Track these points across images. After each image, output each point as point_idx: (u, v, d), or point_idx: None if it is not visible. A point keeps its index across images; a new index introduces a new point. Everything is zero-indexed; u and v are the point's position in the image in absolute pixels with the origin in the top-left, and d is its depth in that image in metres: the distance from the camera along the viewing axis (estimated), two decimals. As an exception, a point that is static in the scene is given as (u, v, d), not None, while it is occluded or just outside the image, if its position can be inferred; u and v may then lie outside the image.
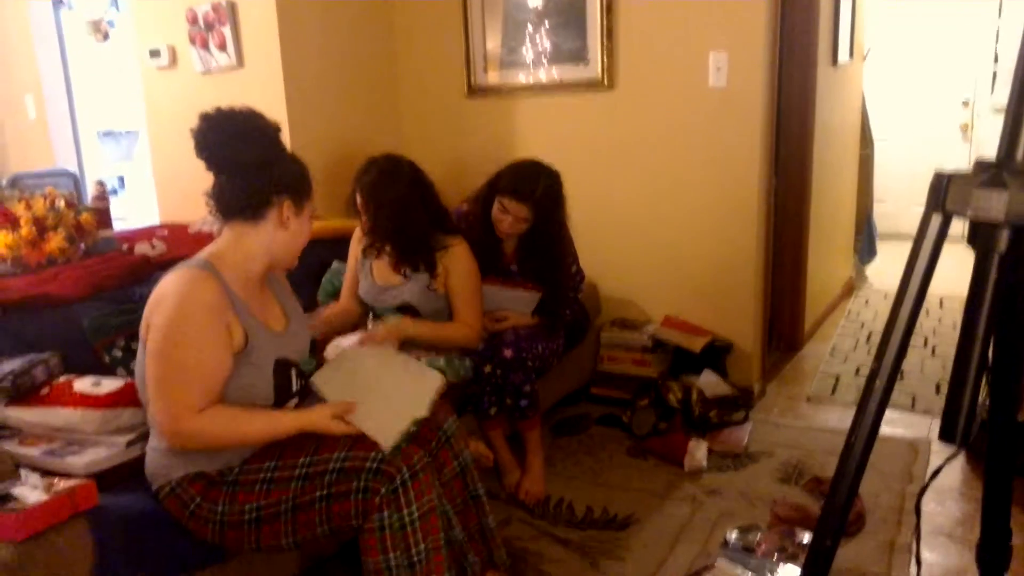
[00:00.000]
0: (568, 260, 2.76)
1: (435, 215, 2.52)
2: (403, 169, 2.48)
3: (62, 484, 1.55)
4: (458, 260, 2.50)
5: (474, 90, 3.58)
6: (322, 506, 1.63)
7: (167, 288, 1.64)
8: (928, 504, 2.45)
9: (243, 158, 1.68)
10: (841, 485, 0.91)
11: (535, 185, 2.55)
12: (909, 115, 6.48)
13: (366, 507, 1.61)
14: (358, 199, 2.48)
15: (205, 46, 3.19)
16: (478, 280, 2.55)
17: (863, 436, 0.89)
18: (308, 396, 1.85)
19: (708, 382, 3.14)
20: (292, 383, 1.78)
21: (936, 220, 0.90)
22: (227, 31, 3.11)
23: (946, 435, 0.91)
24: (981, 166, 0.85)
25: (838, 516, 0.91)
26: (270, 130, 1.73)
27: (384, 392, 1.83)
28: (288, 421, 1.71)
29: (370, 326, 2.51)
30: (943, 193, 0.87)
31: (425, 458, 1.69)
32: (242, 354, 1.68)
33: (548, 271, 2.69)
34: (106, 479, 1.69)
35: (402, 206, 2.43)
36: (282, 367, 1.74)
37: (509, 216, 2.58)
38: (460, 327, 2.49)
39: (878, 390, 0.88)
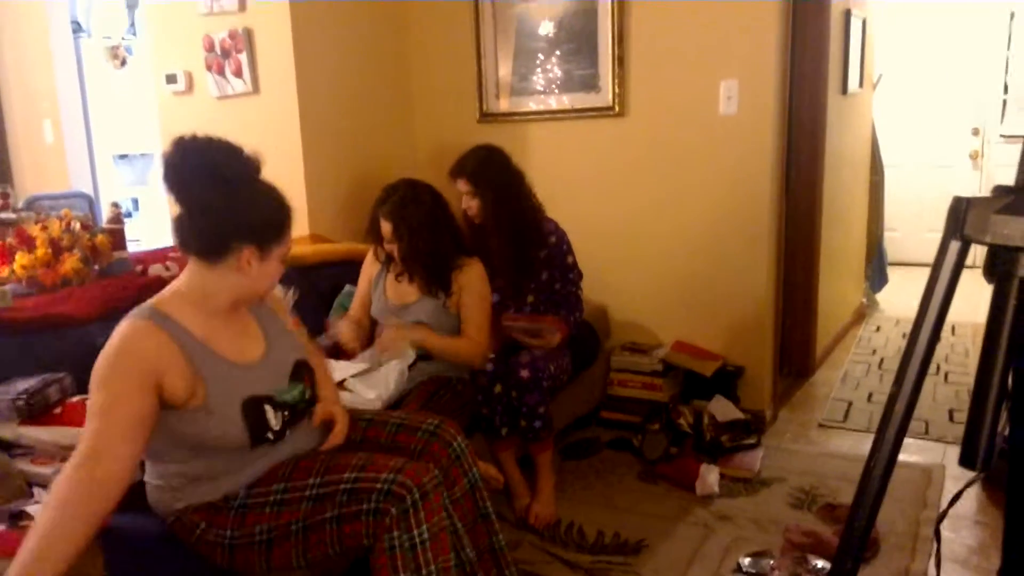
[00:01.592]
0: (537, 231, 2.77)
1: (454, 235, 2.55)
2: (424, 192, 2.52)
3: (75, 504, 1.55)
4: (472, 279, 2.53)
5: (486, 116, 3.62)
6: (333, 527, 1.62)
7: (107, 343, 1.54)
8: (943, 531, 2.42)
9: (207, 199, 1.57)
10: (861, 509, 0.91)
11: (467, 160, 2.71)
12: (919, 143, 6.50)
13: (377, 527, 1.60)
14: (385, 227, 2.49)
15: (221, 72, 3.24)
16: (489, 300, 2.58)
17: (882, 461, 0.89)
18: (299, 427, 1.77)
19: (719, 407, 3.13)
20: (268, 420, 1.67)
21: (954, 246, 0.90)
22: (243, 58, 3.16)
23: (966, 461, 0.90)
24: (1000, 191, 0.85)
25: (858, 540, 0.91)
26: (245, 170, 1.61)
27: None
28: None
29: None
30: (962, 219, 0.87)
31: (436, 478, 1.69)
32: (202, 408, 1.58)
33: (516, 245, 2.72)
34: (117, 499, 1.69)
35: (431, 229, 2.47)
36: (252, 406, 1.64)
37: (464, 197, 2.70)
38: (466, 342, 2.51)
39: (897, 415, 0.88)
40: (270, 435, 1.68)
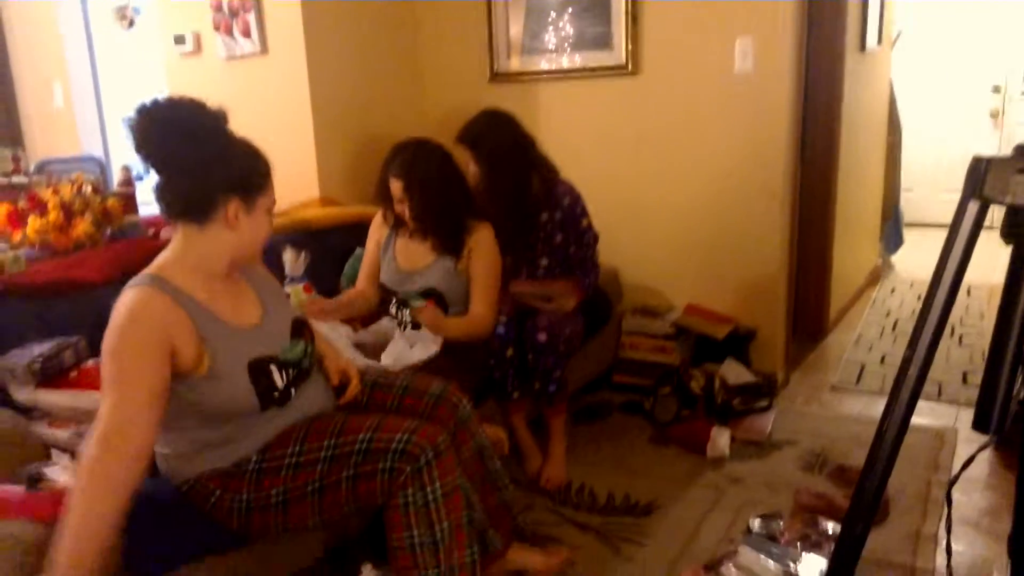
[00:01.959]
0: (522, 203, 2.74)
1: (466, 194, 2.53)
2: (434, 150, 2.49)
3: (92, 466, 1.57)
4: (483, 244, 2.50)
5: (497, 76, 3.57)
6: (348, 486, 1.64)
7: (112, 316, 1.52)
8: (954, 494, 2.42)
9: (183, 158, 1.56)
10: (873, 472, 0.90)
11: (470, 126, 2.67)
12: (938, 102, 6.38)
13: (391, 486, 1.62)
14: (395, 185, 2.46)
15: (229, 32, 3.20)
16: (499, 267, 2.55)
17: (896, 423, 0.88)
18: (304, 387, 1.78)
19: (731, 370, 3.12)
20: (275, 380, 1.68)
21: (973, 207, 0.88)
22: (251, 18, 3.12)
23: (979, 425, 0.89)
24: (1021, 151, 0.83)
25: (869, 503, 0.90)
26: (214, 123, 1.60)
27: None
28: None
29: (392, 311, 2.52)
30: (981, 179, 0.85)
31: (448, 439, 1.71)
32: (209, 374, 1.59)
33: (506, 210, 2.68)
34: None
35: (442, 186, 2.45)
36: (258, 367, 1.65)
37: (464, 161, 2.65)
38: (478, 321, 2.46)
39: (911, 378, 0.87)
40: (276, 394, 1.68)
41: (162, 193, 1.60)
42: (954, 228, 0.87)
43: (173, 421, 1.63)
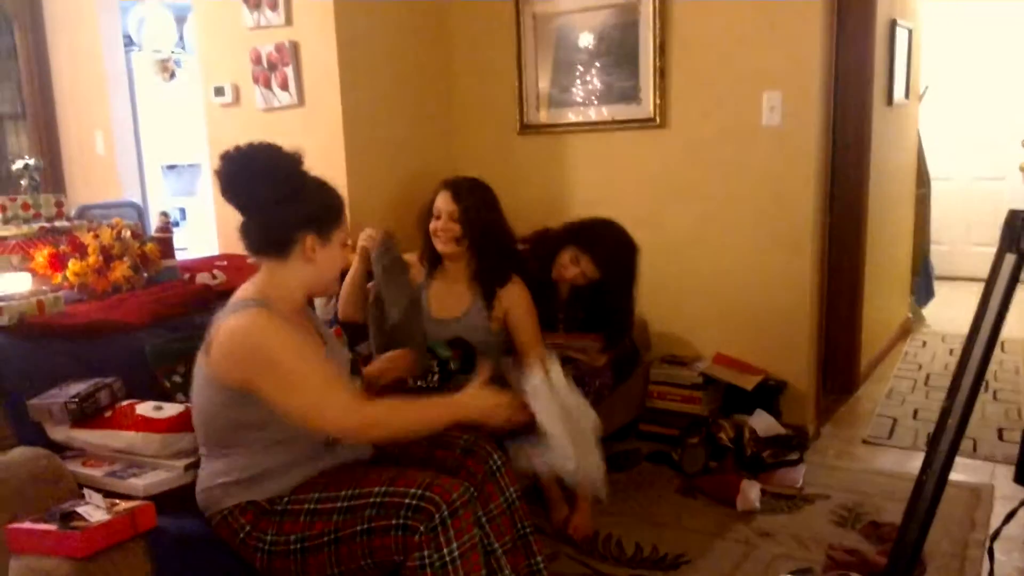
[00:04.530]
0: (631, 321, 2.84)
1: (510, 241, 2.57)
2: (491, 188, 2.55)
3: (124, 505, 1.59)
4: (520, 297, 2.51)
5: (526, 127, 3.63)
6: (363, 540, 1.63)
7: (237, 334, 1.65)
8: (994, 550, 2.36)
9: (262, 198, 1.69)
10: (912, 524, 0.89)
11: (618, 255, 2.71)
12: (967, 155, 6.37)
13: (406, 543, 1.60)
14: (444, 197, 2.46)
15: (268, 85, 3.30)
16: (536, 316, 2.56)
17: (935, 475, 0.87)
18: None
19: (761, 422, 3.09)
20: None
21: (1010, 259, 0.88)
22: (289, 71, 3.21)
23: (1021, 478, 0.88)
24: (1056, 203, 0.84)
25: (908, 556, 0.89)
26: (290, 163, 1.72)
27: (573, 428, 1.83)
28: (438, 404, 1.76)
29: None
30: (1018, 232, 0.85)
31: (466, 494, 1.67)
32: None
33: (602, 327, 2.75)
34: (162, 502, 1.72)
35: (496, 214, 2.50)
36: None
37: (578, 269, 2.69)
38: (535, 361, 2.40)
39: (950, 428, 0.87)
40: None
41: (247, 233, 1.74)
42: (991, 280, 0.88)
43: (235, 441, 1.70)
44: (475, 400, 1.75)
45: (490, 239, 2.48)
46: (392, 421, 1.70)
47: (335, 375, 1.72)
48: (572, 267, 2.70)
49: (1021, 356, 4.36)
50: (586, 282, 2.72)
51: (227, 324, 1.67)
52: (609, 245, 2.71)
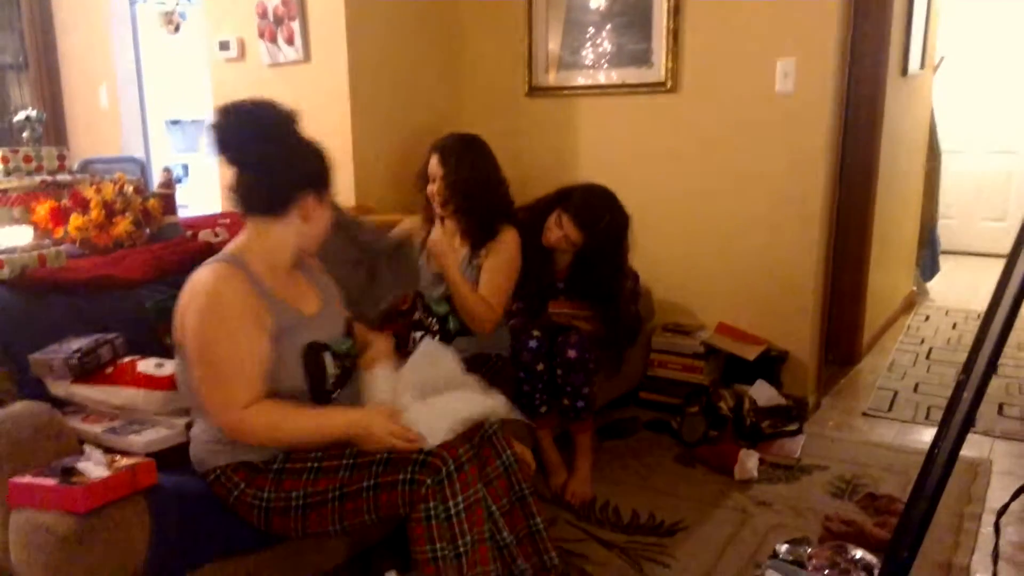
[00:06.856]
0: (621, 291, 2.78)
1: (504, 195, 2.56)
2: (483, 143, 2.55)
3: (124, 461, 1.59)
4: (505, 243, 2.51)
5: (535, 89, 3.58)
6: (369, 495, 1.65)
7: (197, 287, 1.67)
8: (986, 527, 2.37)
9: (260, 156, 1.67)
10: (922, 496, 0.88)
11: (599, 218, 2.62)
12: (979, 128, 6.29)
13: (413, 497, 1.62)
14: (434, 160, 2.50)
15: (273, 40, 3.25)
16: (517, 272, 2.54)
17: (947, 448, 0.86)
18: (350, 380, 1.84)
19: (761, 392, 3.09)
20: (326, 366, 1.75)
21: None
22: (296, 26, 3.16)
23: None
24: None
25: (916, 528, 0.88)
26: (290, 122, 1.71)
27: (448, 399, 1.80)
28: (339, 419, 1.71)
29: (419, 316, 2.47)
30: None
31: (471, 451, 1.71)
32: (270, 355, 1.68)
33: (596, 297, 2.71)
34: (162, 459, 1.72)
35: (484, 173, 2.49)
36: (313, 351, 1.73)
37: (561, 232, 2.64)
38: (482, 300, 2.42)
39: (965, 401, 0.85)
40: (328, 386, 1.74)
41: (242, 190, 1.72)
42: (1014, 252, 0.86)
43: None
44: (373, 427, 1.68)
45: (475, 200, 2.48)
46: (280, 431, 1.68)
47: (250, 369, 1.63)
48: (556, 229, 2.65)
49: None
50: (570, 246, 2.66)
51: (194, 275, 1.70)
52: (593, 207, 2.64)
